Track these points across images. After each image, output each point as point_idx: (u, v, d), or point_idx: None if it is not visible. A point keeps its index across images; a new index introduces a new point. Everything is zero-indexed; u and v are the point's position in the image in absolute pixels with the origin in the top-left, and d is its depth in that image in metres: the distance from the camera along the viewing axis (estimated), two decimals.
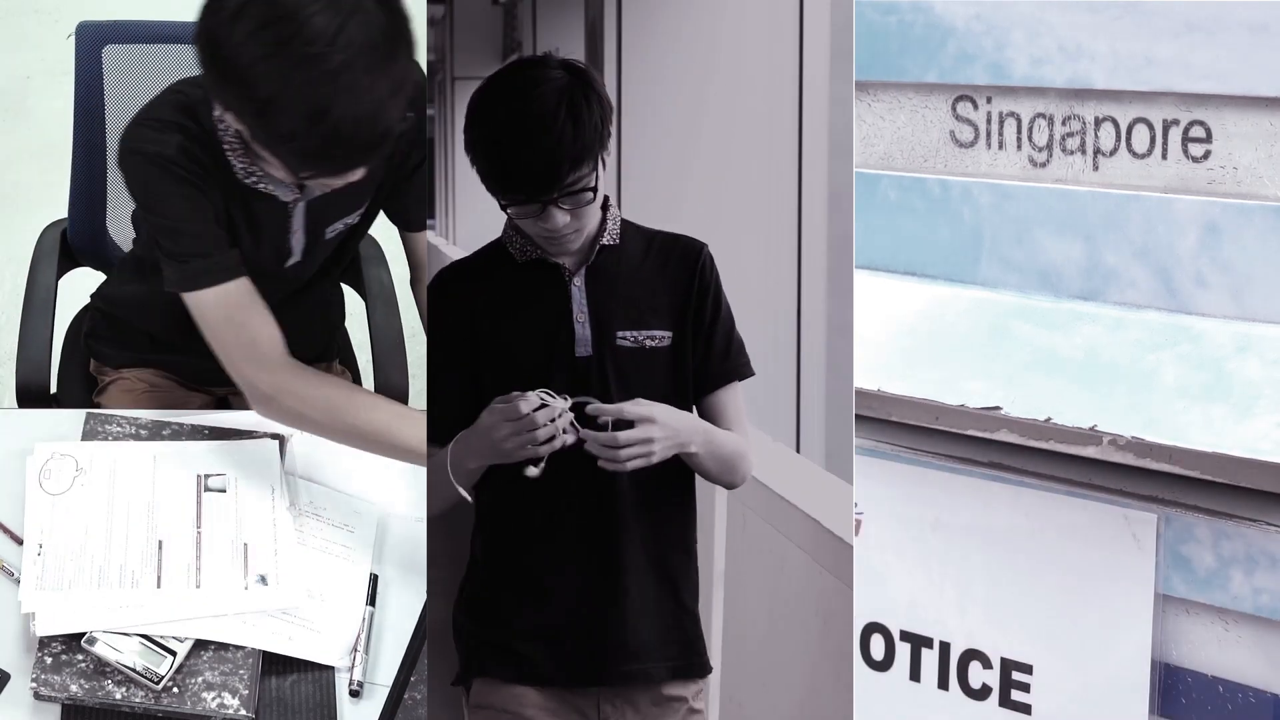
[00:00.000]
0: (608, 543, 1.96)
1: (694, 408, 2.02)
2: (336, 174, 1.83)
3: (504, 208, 1.92)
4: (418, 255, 2.30)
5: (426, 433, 1.93)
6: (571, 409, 1.86)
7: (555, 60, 1.93)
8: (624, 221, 2.04)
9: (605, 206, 2.00)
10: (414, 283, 2.31)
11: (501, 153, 1.86)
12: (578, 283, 1.97)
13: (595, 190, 1.90)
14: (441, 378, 1.98)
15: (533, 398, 1.84)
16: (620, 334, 1.98)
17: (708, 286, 2.01)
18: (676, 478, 1.99)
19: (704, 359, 2.01)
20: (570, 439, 1.85)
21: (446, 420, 1.93)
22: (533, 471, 1.84)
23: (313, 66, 1.70)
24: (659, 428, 1.88)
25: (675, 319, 2.00)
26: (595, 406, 1.86)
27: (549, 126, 1.84)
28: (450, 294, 1.99)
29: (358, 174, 1.85)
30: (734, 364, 2.03)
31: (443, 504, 1.94)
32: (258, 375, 1.95)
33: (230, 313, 1.96)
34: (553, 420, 1.84)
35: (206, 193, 1.98)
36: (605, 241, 1.99)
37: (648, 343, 1.99)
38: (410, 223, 2.27)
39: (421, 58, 1.91)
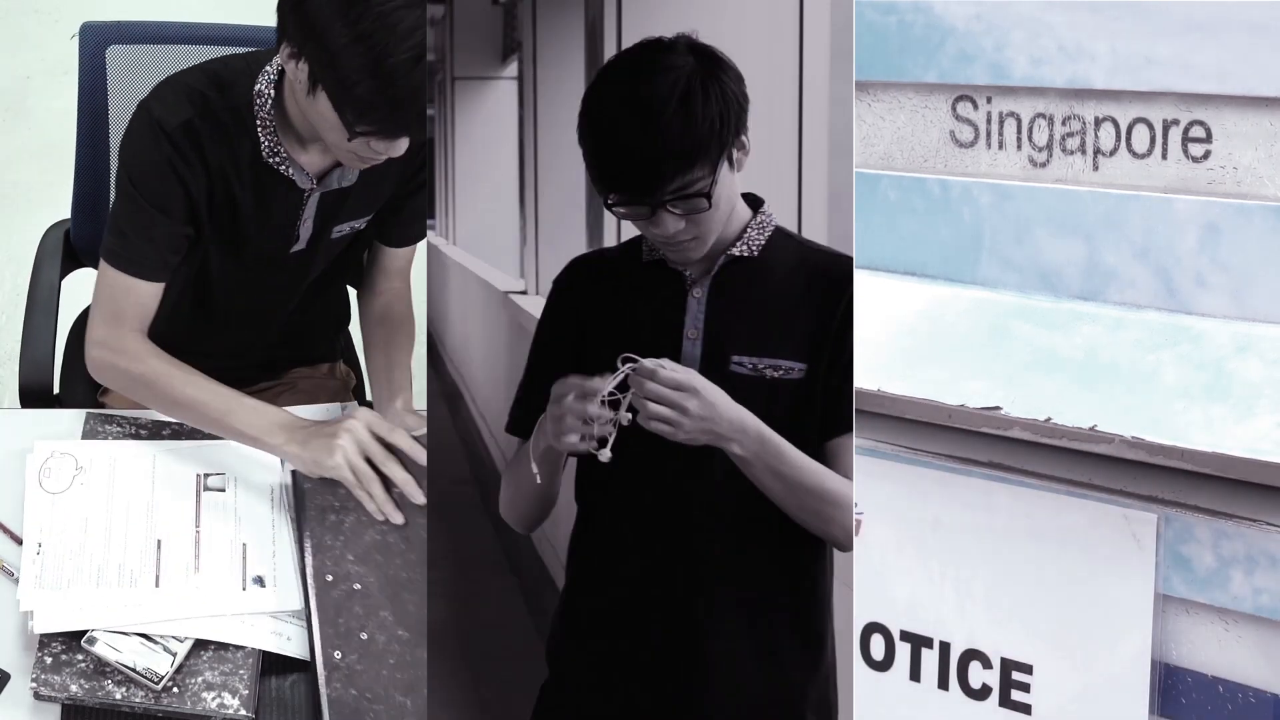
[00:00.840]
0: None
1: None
2: (390, 135, 1.88)
3: (609, 207, 1.72)
4: (393, 266, 2.30)
5: (508, 424, 1.85)
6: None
7: (686, 43, 1.73)
8: (778, 230, 1.82)
9: (756, 208, 1.81)
10: (375, 293, 2.31)
11: (601, 146, 1.67)
12: (697, 294, 1.78)
13: (710, 196, 1.68)
14: (537, 368, 1.84)
15: (595, 384, 1.65)
16: (737, 359, 1.76)
17: (852, 316, 1.79)
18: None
19: (836, 398, 1.78)
20: (628, 418, 1.66)
21: (531, 415, 1.75)
22: (604, 455, 1.66)
23: (385, 23, 1.77)
24: (699, 403, 1.64)
25: (812, 350, 1.77)
26: (640, 365, 1.66)
27: (655, 119, 1.64)
28: (567, 285, 1.87)
29: (402, 145, 1.91)
30: (850, 411, 1.81)
31: (521, 499, 1.83)
32: (107, 337, 2.07)
33: (129, 300, 2.06)
34: (604, 403, 1.65)
35: (191, 178, 1.99)
36: (738, 252, 1.78)
37: (769, 373, 1.76)
38: (393, 239, 2.28)
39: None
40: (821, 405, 1.78)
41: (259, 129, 2.01)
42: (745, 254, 1.79)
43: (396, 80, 1.80)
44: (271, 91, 2.00)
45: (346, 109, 1.85)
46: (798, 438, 1.73)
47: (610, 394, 1.65)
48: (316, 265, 2.20)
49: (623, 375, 1.65)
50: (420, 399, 2.17)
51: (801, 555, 1.83)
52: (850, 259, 1.83)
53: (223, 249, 2.13)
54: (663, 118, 1.63)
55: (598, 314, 1.81)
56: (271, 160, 2.02)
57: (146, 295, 2.07)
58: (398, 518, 1.90)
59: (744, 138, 1.73)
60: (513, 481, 1.84)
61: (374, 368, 2.27)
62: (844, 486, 1.76)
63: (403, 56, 1.79)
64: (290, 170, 2.03)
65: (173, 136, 1.98)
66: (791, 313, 1.78)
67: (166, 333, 2.22)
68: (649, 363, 1.64)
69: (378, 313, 2.29)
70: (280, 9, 1.87)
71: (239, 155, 2.02)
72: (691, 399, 1.64)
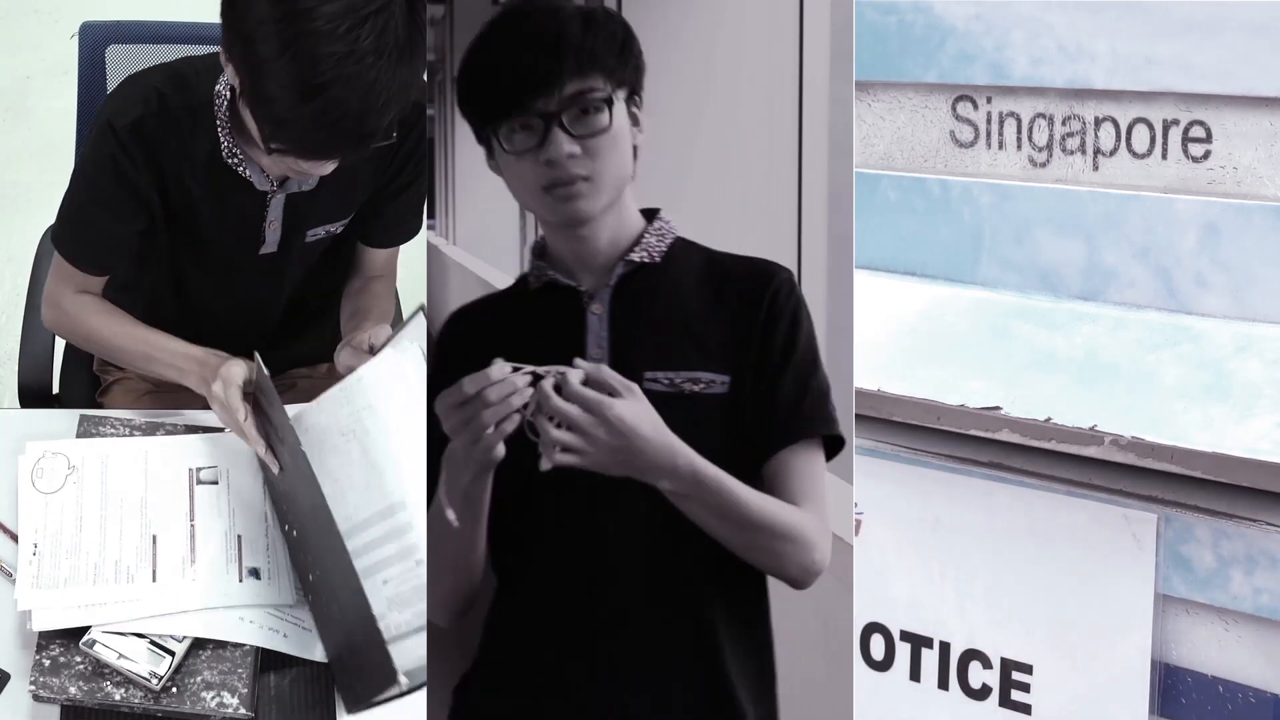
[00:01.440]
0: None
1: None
2: (307, 156, 1.83)
3: (494, 147, 1.59)
4: (372, 263, 2.28)
5: (426, 491, 1.64)
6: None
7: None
8: (680, 240, 1.68)
9: (652, 218, 1.67)
10: (353, 290, 2.29)
11: (491, 54, 1.58)
12: (597, 309, 1.62)
13: (611, 115, 1.57)
14: (432, 438, 1.56)
15: (487, 374, 1.44)
16: (650, 375, 1.59)
17: (777, 319, 1.61)
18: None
19: (767, 409, 1.60)
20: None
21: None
22: (544, 465, 1.44)
23: (318, 43, 1.70)
24: (609, 430, 1.44)
25: (734, 360, 1.61)
26: (558, 371, 1.45)
27: (556, 14, 1.57)
28: (449, 339, 1.70)
29: (327, 167, 1.87)
30: (805, 417, 1.60)
31: (439, 572, 1.63)
32: (54, 297, 2.16)
33: (75, 279, 2.13)
34: (510, 395, 1.44)
35: (138, 177, 2.00)
36: (637, 258, 1.64)
37: (688, 387, 1.59)
38: (371, 239, 2.26)
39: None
40: (755, 419, 1.60)
41: (218, 129, 1.99)
42: (645, 259, 1.64)
43: (320, 102, 1.72)
44: (228, 92, 1.97)
45: (264, 123, 1.79)
46: (735, 459, 1.55)
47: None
48: (295, 267, 2.18)
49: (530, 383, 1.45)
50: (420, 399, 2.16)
51: (750, 611, 1.66)
52: (765, 261, 1.67)
53: (190, 249, 2.13)
54: (559, 18, 1.57)
55: (488, 358, 1.50)
56: (230, 161, 2.00)
57: (90, 280, 2.14)
58: (274, 466, 1.88)
59: (639, 100, 1.62)
60: (432, 558, 1.64)
61: (345, 312, 2.26)
62: (796, 517, 1.57)
63: (329, 77, 1.70)
64: (248, 172, 2.01)
65: (120, 135, 1.98)
66: (705, 321, 1.62)
67: (169, 333, 2.22)
68: (557, 372, 1.45)
69: (350, 308, 2.27)
70: (221, 6, 1.80)
71: (195, 155, 2.00)
72: (598, 425, 1.44)
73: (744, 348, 1.61)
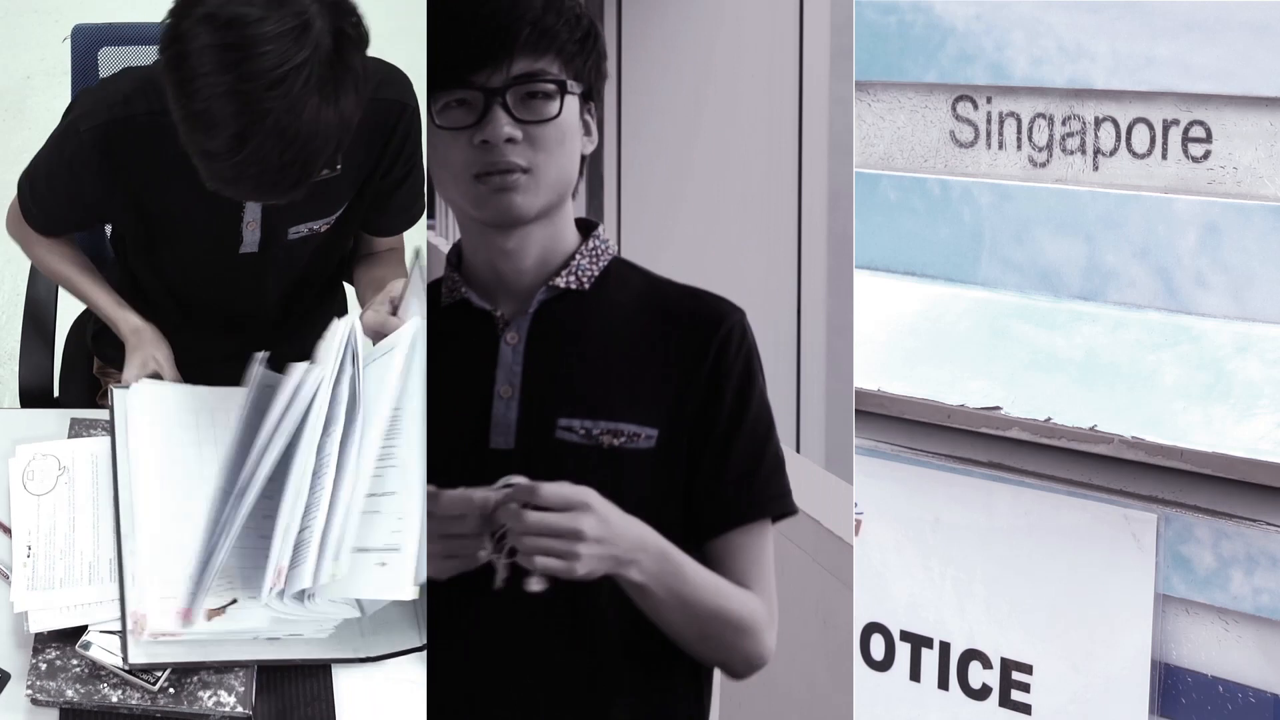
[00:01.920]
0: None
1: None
2: (244, 197, 1.86)
3: (434, 118, 1.45)
4: (380, 241, 2.29)
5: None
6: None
7: None
8: (618, 261, 1.49)
9: (589, 234, 1.48)
10: (360, 262, 2.30)
11: (440, 19, 1.44)
12: (512, 338, 1.44)
13: (561, 110, 1.41)
14: None
15: (457, 498, 1.33)
16: (565, 422, 1.40)
17: (726, 374, 1.42)
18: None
19: (717, 483, 1.43)
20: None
21: None
22: (532, 585, 1.33)
23: (249, 100, 1.64)
24: (595, 520, 1.31)
25: (667, 413, 1.42)
26: (517, 486, 1.33)
27: None
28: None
29: (267, 200, 1.89)
30: (759, 496, 1.45)
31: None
32: (15, 231, 2.18)
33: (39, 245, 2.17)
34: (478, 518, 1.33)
35: (92, 180, 2.01)
36: (563, 284, 1.45)
37: (606, 440, 1.40)
38: (375, 228, 2.25)
39: (421, 60, 1.90)
40: (702, 492, 1.43)
41: None
42: (572, 285, 1.45)
43: (245, 152, 1.64)
44: None
45: (200, 169, 1.74)
46: (662, 527, 1.38)
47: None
48: (280, 265, 2.18)
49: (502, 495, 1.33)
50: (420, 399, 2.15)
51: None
52: (715, 299, 1.48)
53: (170, 249, 2.13)
54: None
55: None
56: None
57: (62, 246, 2.18)
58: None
59: (593, 109, 1.46)
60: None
61: (359, 281, 2.25)
62: (750, 605, 1.43)
63: (218, 144, 1.63)
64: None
65: (83, 137, 1.99)
66: (637, 364, 1.43)
67: (169, 334, 2.22)
68: (520, 487, 1.32)
69: (365, 277, 2.26)
70: (160, 56, 1.76)
71: (165, 161, 1.99)
72: (585, 517, 1.31)
73: (681, 401, 1.42)
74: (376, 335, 1.88)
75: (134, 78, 2.05)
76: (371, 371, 1.77)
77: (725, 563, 1.44)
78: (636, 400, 1.42)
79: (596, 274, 1.46)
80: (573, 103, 1.44)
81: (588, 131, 1.47)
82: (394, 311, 1.84)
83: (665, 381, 1.43)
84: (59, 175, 2.06)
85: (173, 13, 1.73)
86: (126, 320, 2.09)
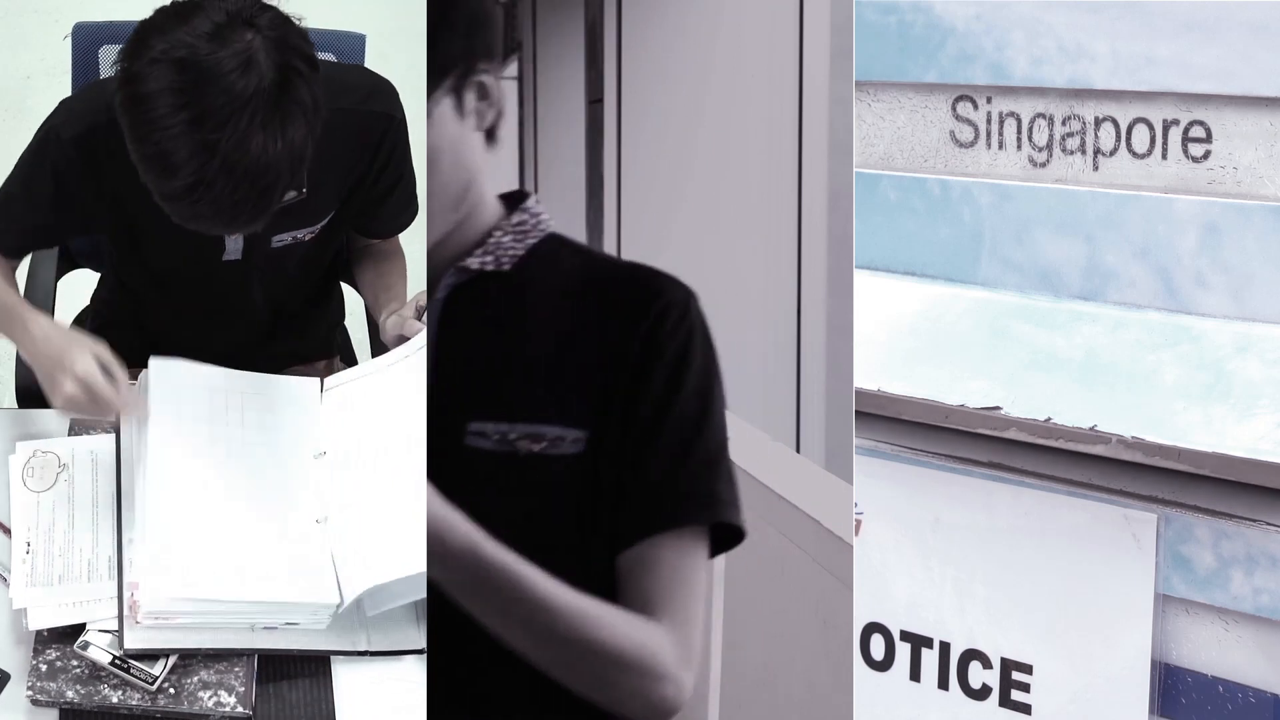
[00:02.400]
0: None
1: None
2: (208, 231, 1.85)
3: None
4: (378, 248, 2.29)
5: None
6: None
7: None
8: (552, 238, 1.30)
9: (515, 206, 1.30)
10: (377, 279, 2.29)
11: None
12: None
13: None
14: None
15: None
16: (476, 426, 1.22)
17: (657, 354, 1.20)
18: None
19: (630, 481, 1.21)
20: None
21: None
22: None
23: (201, 141, 1.65)
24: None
25: (595, 409, 1.20)
26: None
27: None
28: None
29: (231, 232, 1.90)
30: (679, 496, 1.21)
31: None
32: None
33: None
34: None
35: (81, 191, 1.99)
36: (476, 263, 1.27)
37: (524, 445, 1.20)
38: (368, 230, 2.26)
39: (421, 60, 1.90)
40: (614, 493, 1.20)
41: None
42: (489, 266, 1.26)
43: (174, 205, 1.69)
44: None
45: (163, 205, 1.76)
46: (582, 545, 1.19)
47: None
48: (266, 272, 2.18)
49: None
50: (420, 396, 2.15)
51: None
52: (653, 273, 1.27)
53: (154, 255, 2.14)
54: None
55: None
56: None
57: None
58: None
59: (484, 82, 1.25)
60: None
61: (364, 282, 2.25)
62: (641, 636, 1.18)
63: (177, 186, 1.65)
64: None
65: (65, 145, 1.99)
66: (562, 355, 1.22)
67: (165, 334, 2.22)
68: None
69: (370, 273, 2.27)
70: (117, 99, 1.73)
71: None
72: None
73: (611, 394, 1.20)
74: (398, 339, 1.90)
75: (113, 88, 2.05)
76: (396, 374, 1.80)
77: (628, 582, 1.20)
78: (559, 395, 1.21)
79: (521, 253, 1.27)
80: (443, 113, 1.24)
81: (478, 119, 1.27)
82: (419, 316, 1.86)
83: (595, 373, 1.21)
84: (41, 183, 2.03)
85: (123, 54, 1.72)
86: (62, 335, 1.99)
